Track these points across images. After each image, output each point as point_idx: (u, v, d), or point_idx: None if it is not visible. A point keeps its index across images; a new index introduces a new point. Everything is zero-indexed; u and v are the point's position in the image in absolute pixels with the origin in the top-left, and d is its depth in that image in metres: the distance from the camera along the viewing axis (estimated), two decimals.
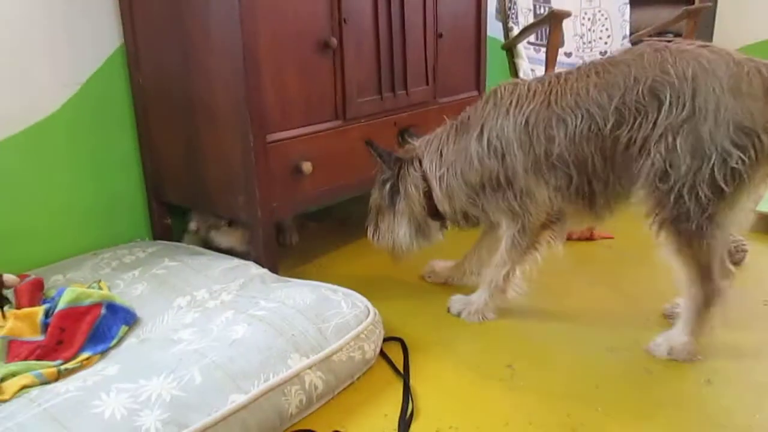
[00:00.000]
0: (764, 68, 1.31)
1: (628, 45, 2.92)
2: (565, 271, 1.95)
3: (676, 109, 1.31)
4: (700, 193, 1.31)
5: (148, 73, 1.85)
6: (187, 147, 1.80)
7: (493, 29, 2.80)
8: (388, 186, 1.72)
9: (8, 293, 1.53)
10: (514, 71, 2.58)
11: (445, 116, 1.69)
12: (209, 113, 1.70)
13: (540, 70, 2.43)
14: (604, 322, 1.64)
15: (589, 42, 2.93)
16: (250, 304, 1.43)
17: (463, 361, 1.47)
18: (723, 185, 1.29)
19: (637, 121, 1.36)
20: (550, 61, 2.32)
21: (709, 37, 3.91)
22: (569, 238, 2.15)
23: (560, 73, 1.51)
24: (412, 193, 1.68)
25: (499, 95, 1.55)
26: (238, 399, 1.14)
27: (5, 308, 1.49)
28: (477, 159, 1.55)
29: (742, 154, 1.27)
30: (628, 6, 2.97)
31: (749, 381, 1.37)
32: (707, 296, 1.40)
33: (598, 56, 2.89)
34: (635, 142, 1.37)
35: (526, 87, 1.52)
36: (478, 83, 2.48)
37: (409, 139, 1.77)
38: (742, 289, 1.79)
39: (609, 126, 1.38)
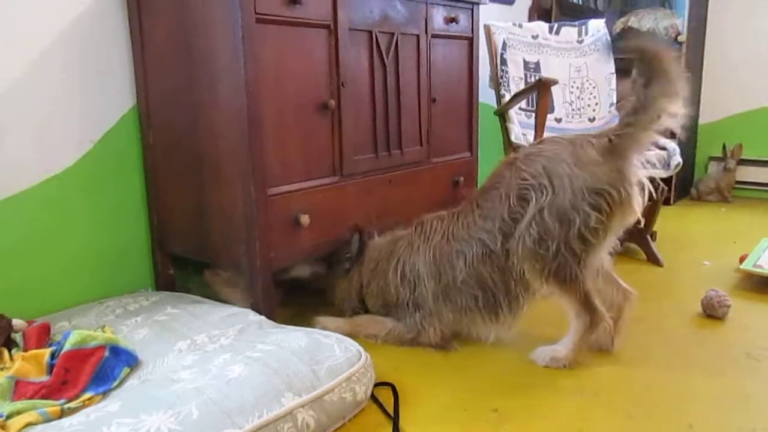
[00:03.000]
0: (593, 138, 1.60)
1: (615, 112, 3.07)
2: (546, 319, 2.01)
3: (542, 197, 1.57)
4: (573, 247, 1.57)
5: (158, 132, 1.96)
6: (193, 201, 1.90)
7: (487, 96, 2.95)
8: (346, 266, 2.00)
9: (16, 337, 1.60)
10: (506, 135, 2.71)
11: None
12: (214, 169, 1.80)
13: (530, 135, 2.55)
14: (586, 368, 1.69)
15: (578, 109, 3.07)
16: (247, 347, 1.49)
17: (451, 405, 1.52)
18: (590, 238, 1.56)
19: (516, 227, 1.63)
20: (540, 126, 2.45)
21: (696, 108, 4.07)
22: None
23: (454, 212, 1.82)
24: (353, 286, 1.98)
25: (415, 232, 1.87)
26: None
27: (13, 351, 1.55)
28: (393, 287, 1.86)
29: (599, 214, 1.54)
30: (615, 76, 3.13)
31: (729, 427, 1.41)
32: (592, 321, 1.65)
33: (587, 122, 3.04)
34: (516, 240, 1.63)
35: (429, 225, 1.84)
36: (470, 145, 2.60)
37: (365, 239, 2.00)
38: (726, 341, 1.85)
39: (499, 244, 1.65)
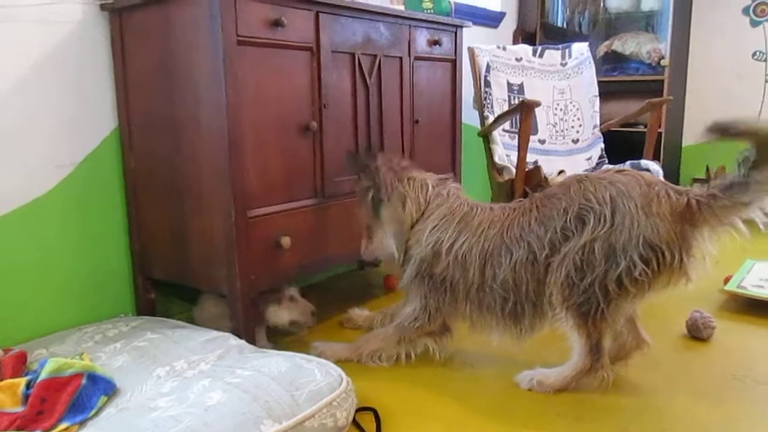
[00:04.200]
0: (673, 192, 1.50)
1: (599, 134, 3.09)
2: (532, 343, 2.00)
3: (599, 227, 1.51)
4: (608, 288, 1.51)
5: (139, 154, 1.95)
6: (174, 224, 1.88)
7: (471, 117, 2.96)
8: (370, 195, 1.85)
9: None
10: (489, 156, 2.72)
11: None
12: (195, 192, 1.79)
13: (514, 155, 2.56)
14: (571, 393, 1.67)
15: (562, 131, 3.09)
16: (226, 373, 1.46)
17: (433, 430, 1.50)
18: (629, 286, 1.50)
19: (564, 245, 1.57)
20: (523, 146, 2.46)
21: (680, 130, 4.12)
22: None
23: (513, 207, 1.75)
24: (408, 210, 1.82)
25: (481, 215, 1.75)
26: None
27: None
28: (444, 260, 1.74)
29: (645, 267, 1.48)
30: (598, 98, 3.16)
31: None
32: (593, 366, 1.60)
33: (571, 143, 3.06)
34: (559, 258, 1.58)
35: (490, 215, 1.74)
36: (454, 166, 2.61)
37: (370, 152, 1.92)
38: (712, 362, 1.84)
39: (544, 255, 1.59)
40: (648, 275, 1.48)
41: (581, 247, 1.53)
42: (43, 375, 1.44)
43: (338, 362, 1.66)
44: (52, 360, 1.47)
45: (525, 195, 2.23)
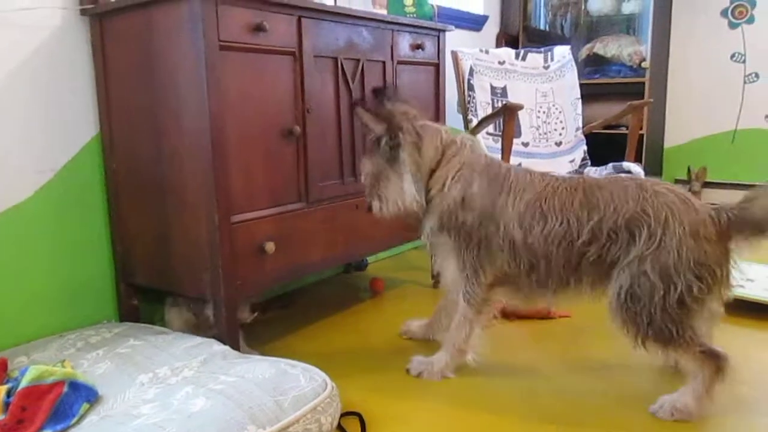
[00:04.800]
0: (717, 217, 1.52)
1: (581, 136, 3.12)
2: (525, 348, 2.01)
3: (648, 244, 1.51)
4: (671, 311, 1.50)
5: (122, 160, 1.93)
6: (157, 229, 1.86)
7: (455, 120, 2.97)
8: (383, 142, 1.77)
9: None
10: None
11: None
12: (178, 197, 1.78)
13: (499, 159, 2.57)
14: (564, 399, 1.69)
15: (545, 133, 3.11)
16: (210, 379, 1.46)
17: None
18: (692, 305, 1.50)
19: (608, 244, 1.56)
20: (506, 149, 2.47)
21: (661, 132, 4.16)
22: (527, 317, 2.23)
23: (558, 177, 1.70)
24: (426, 152, 1.75)
25: (516, 176, 1.72)
26: None
27: None
28: (474, 211, 1.70)
29: (701, 284, 1.49)
30: (580, 101, 3.19)
31: None
32: (717, 367, 1.53)
33: (554, 146, 3.08)
34: (604, 259, 1.57)
35: (530, 177, 1.71)
36: None
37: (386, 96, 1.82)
38: None
39: (582, 239, 1.57)
40: (705, 291, 1.50)
41: (627, 267, 1.53)
42: (24, 383, 1.42)
43: (444, 376, 1.77)
44: (33, 367, 1.45)
45: None
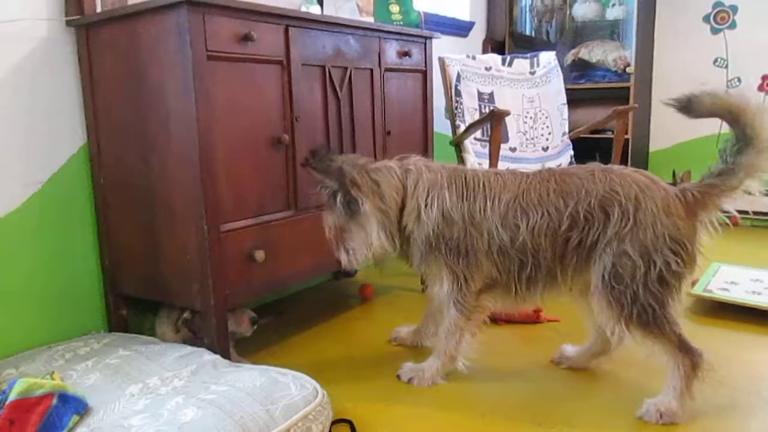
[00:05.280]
0: (683, 195, 1.58)
1: (568, 141, 3.14)
2: (515, 353, 2.03)
3: (622, 222, 1.55)
4: (653, 290, 1.54)
5: (109, 170, 1.93)
6: (146, 240, 1.86)
7: (443, 126, 2.99)
8: (339, 197, 1.76)
9: None
10: (462, 165, 2.75)
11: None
12: (167, 207, 1.78)
13: (486, 164, 2.59)
14: (554, 403, 1.70)
15: (532, 138, 3.13)
16: (200, 389, 1.46)
17: None
18: (672, 281, 1.55)
19: (586, 226, 1.61)
20: (494, 155, 2.49)
21: (647, 136, 4.20)
22: (516, 321, 2.24)
23: (527, 173, 1.74)
24: (388, 196, 1.75)
25: (487, 179, 1.74)
26: None
27: None
28: (457, 223, 1.71)
29: (678, 259, 1.54)
30: (566, 106, 3.21)
31: None
32: (692, 363, 1.57)
33: (541, 151, 3.10)
34: (584, 243, 1.61)
35: (501, 178, 1.74)
36: None
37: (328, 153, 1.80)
38: None
39: (563, 227, 1.61)
40: (681, 266, 1.55)
41: (608, 245, 1.57)
42: (12, 396, 1.41)
43: (435, 382, 1.78)
44: (22, 380, 1.44)
45: None
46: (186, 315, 1.90)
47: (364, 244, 1.78)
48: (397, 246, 1.79)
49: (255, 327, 1.98)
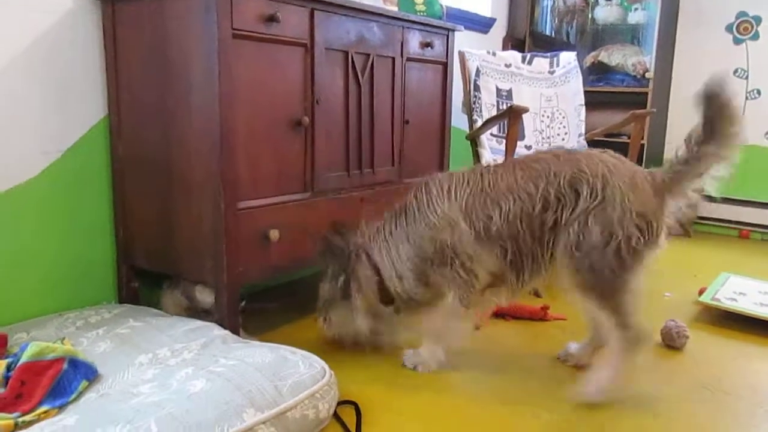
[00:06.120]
0: (651, 175, 1.67)
1: (584, 142, 3.14)
2: (520, 347, 2.03)
3: (590, 198, 1.61)
4: (610, 260, 1.59)
5: (128, 143, 1.94)
6: (161, 214, 1.87)
7: (460, 120, 2.99)
8: (341, 280, 1.84)
9: None
10: (477, 160, 2.75)
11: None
12: (184, 182, 1.79)
13: (501, 160, 2.58)
14: (556, 392, 1.70)
15: (548, 137, 3.13)
16: (210, 362, 1.47)
17: (414, 425, 1.52)
18: (627, 258, 1.60)
19: (559, 206, 1.66)
20: (509, 152, 2.49)
21: (662, 142, 4.18)
22: (524, 317, 2.25)
23: (488, 166, 1.78)
24: (365, 286, 1.82)
25: (437, 183, 1.77)
26: None
27: None
28: (429, 235, 1.73)
29: (641, 236, 1.60)
30: (584, 108, 3.21)
31: None
32: (630, 341, 1.63)
33: None
34: (559, 223, 1.66)
35: (460, 176, 1.77)
36: (441, 167, 2.63)
37: (345, 233, 1.87)
38: (683, 371, 1.88)
39: (537, 210, 1.65)
40: (641, 243, 1.60)
41: (576, 219, 1.62)
42: (24, 358, 1.44)
43: (438, 362, 1.81)
44: (34, 344, 1.47)
45: None
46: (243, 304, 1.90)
47: (345, 325, 1.88)
48: (375, 331, 1.88)
49: (243, 303, 1.93)
